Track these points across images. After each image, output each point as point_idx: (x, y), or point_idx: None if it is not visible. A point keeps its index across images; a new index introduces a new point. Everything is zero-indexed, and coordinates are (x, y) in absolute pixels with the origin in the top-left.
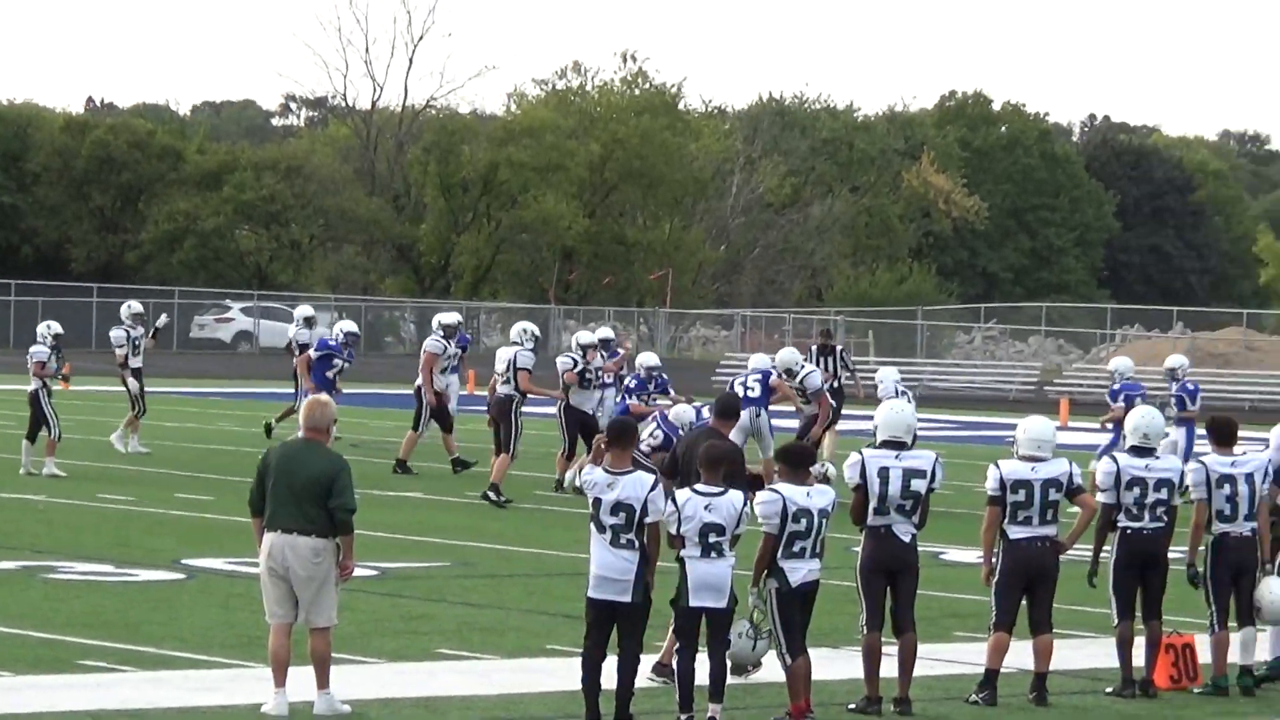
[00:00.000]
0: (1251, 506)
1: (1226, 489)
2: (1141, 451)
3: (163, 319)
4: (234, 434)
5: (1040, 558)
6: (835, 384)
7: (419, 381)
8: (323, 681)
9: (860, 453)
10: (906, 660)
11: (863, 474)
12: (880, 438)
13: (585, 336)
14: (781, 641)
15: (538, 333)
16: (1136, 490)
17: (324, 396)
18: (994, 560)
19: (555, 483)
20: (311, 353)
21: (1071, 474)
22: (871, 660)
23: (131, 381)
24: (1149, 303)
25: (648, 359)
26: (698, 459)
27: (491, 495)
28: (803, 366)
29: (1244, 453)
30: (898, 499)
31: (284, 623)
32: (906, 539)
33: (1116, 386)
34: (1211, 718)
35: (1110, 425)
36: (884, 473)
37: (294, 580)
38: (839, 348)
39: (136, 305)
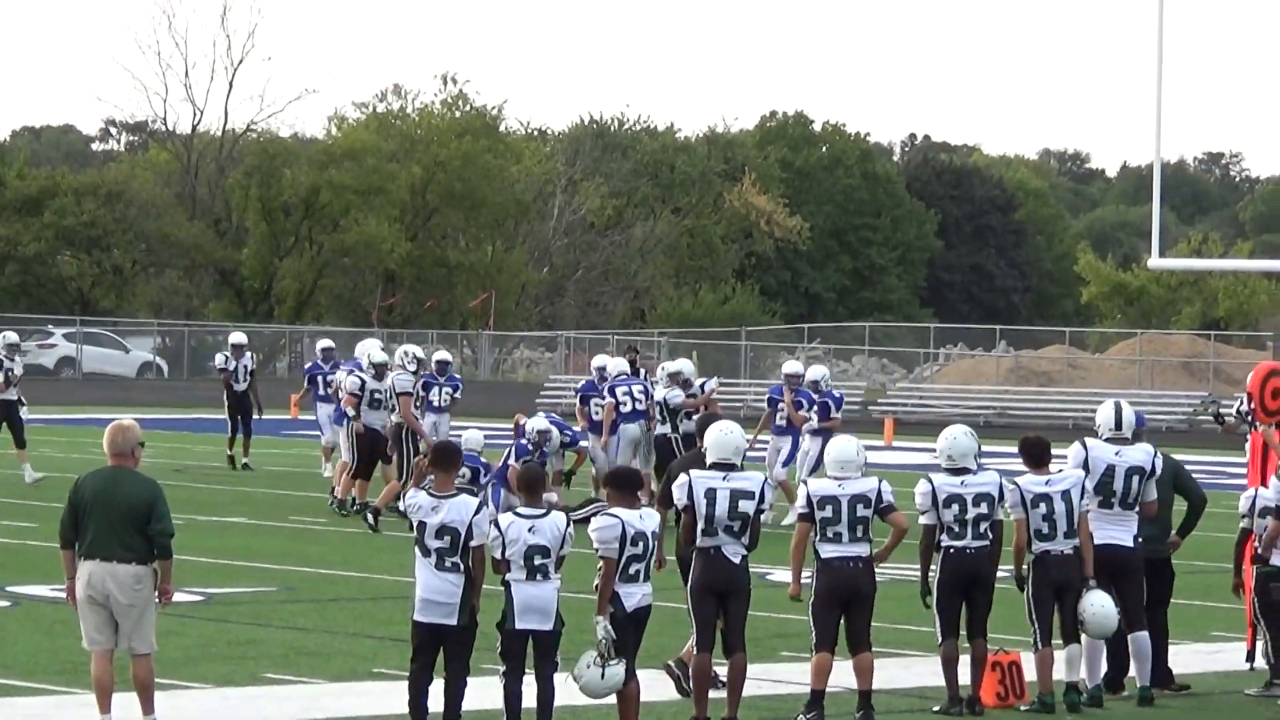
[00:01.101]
0: (1070, 524)
1: (1042, 508)
2: (955, 470)
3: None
4: (57, 460)
5: (853, 578)
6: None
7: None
8: (147, 708)
9: (688, 474)
10: (735, 681)
11: (690, 495)
12: (709, 459)
13: (377, 355)
14: None
15: (420, 355)
16: (955, 507)
17: (126, 420)
18: (803, 579)
19: (338, 501)
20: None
21: (880, 491)
22: (701, 681)
23: None
24: (972, 321)
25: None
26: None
27: (370, 518)
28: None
29: (1059, 471)
30: (725, 520)
31: (105, 649)
32: (736, 560)
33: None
34: None
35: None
36: (711, 494)
37: (115, 608)
38: (643, 370)
39: (12, 335)
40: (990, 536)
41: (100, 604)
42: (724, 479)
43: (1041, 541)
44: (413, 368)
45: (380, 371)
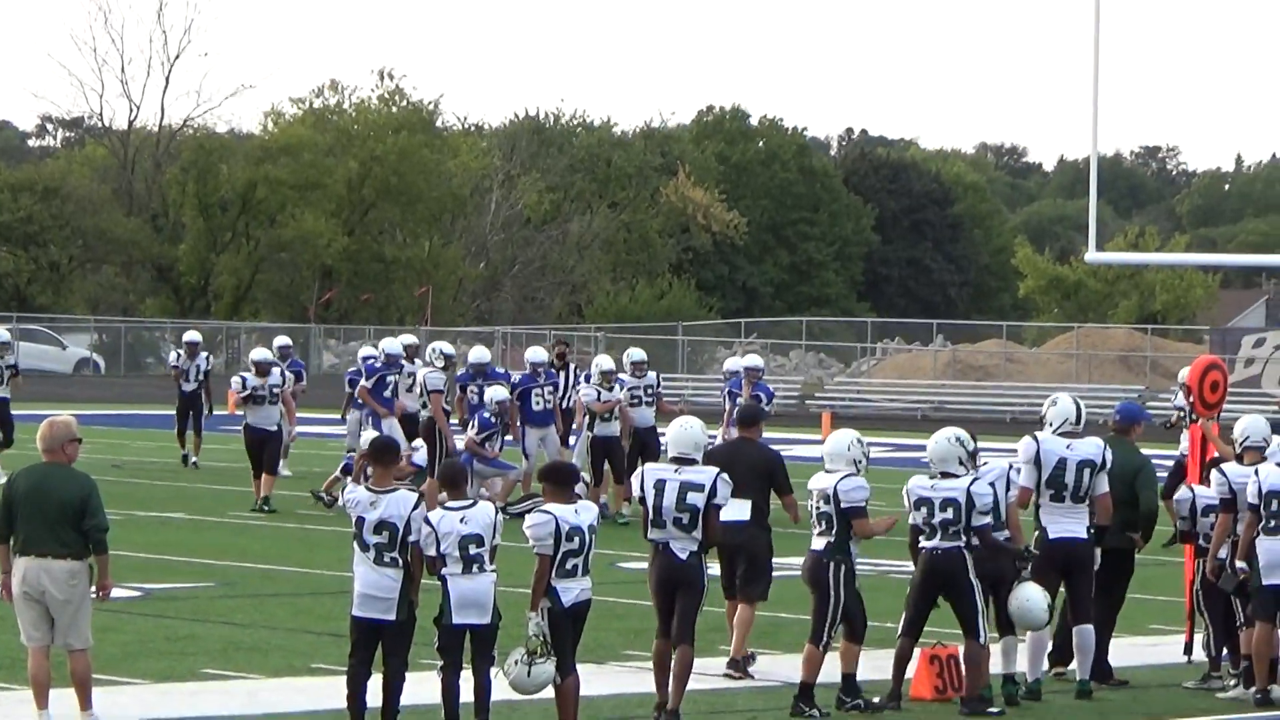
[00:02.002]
0: (998, 516)
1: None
2: (943, 474)
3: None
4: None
5: (811, 570)
6: (567, 401)
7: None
8: (85, 703)
9: (644, 467)
10: (679, 674)
11: (642, 487)
12: (670, 454)
13: (259, 353)
14: None
15: (448, 351)
16: (924, 510)
17: (60, 417)
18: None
19: (263, 501)
20: (365, 382)
21: (836, 490)
22: (658, 667)
23: None
24: (909, 316)
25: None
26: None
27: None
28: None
29: (985, 463)
30: (673, 512)
31: (42, 645)
32: (684, 556)
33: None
34: None
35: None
36: (660, 485)
37: (50, 604)
38: (573, 364)
39: (3, 333)
40: (965, 539)
41: (36, 600)
42: (675, 471)
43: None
44: (440, 364)
45: (261, 369)
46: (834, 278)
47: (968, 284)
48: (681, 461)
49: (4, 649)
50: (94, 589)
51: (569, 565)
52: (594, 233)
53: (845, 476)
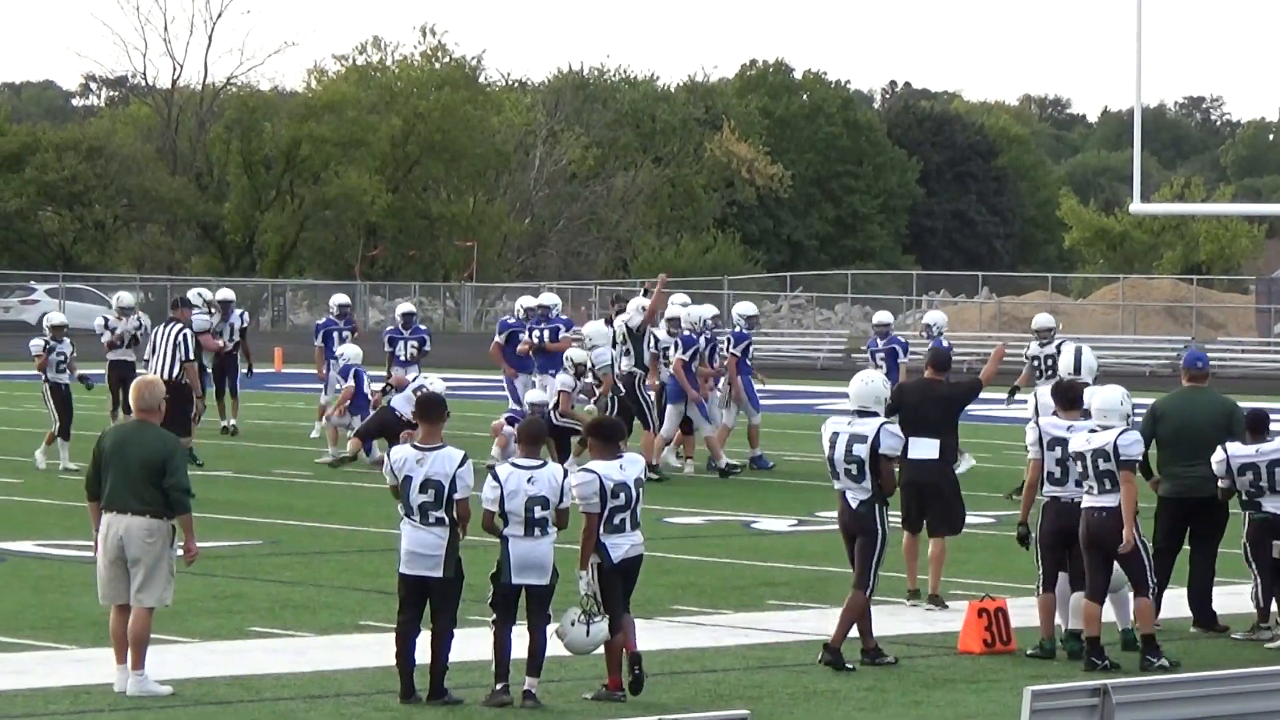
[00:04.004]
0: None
1: (1058, 452)
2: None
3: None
4: (42, 416)
5: (1096, 528)
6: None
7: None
8: (137, 662)
9: (828, 419)
10: (845, 612)
11: (821, 439)
12: (852, 407)
13: (223, 293)
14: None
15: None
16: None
17: (151, 376)
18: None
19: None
20: (498, 338)
21: (1117, 445)
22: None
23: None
24: (954, 268)
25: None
26: None
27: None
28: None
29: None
30: (843, 463)
31: (121, 604)
32: (855, 505)
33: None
34: (1030, 679)
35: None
36: (835, 437)
37: (128, 560)
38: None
39: (126, 297)
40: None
41: (117, 557)
42: (849, 423)
43: (1052, 485)
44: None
45: (226, 310)
46: (879, 231)
47: (1012, 236)
48: (861, 414)
49: (53, 609)
50: (177, 548)
51: (616, 521)
52: (638, 188)
53: (1124, 431)
